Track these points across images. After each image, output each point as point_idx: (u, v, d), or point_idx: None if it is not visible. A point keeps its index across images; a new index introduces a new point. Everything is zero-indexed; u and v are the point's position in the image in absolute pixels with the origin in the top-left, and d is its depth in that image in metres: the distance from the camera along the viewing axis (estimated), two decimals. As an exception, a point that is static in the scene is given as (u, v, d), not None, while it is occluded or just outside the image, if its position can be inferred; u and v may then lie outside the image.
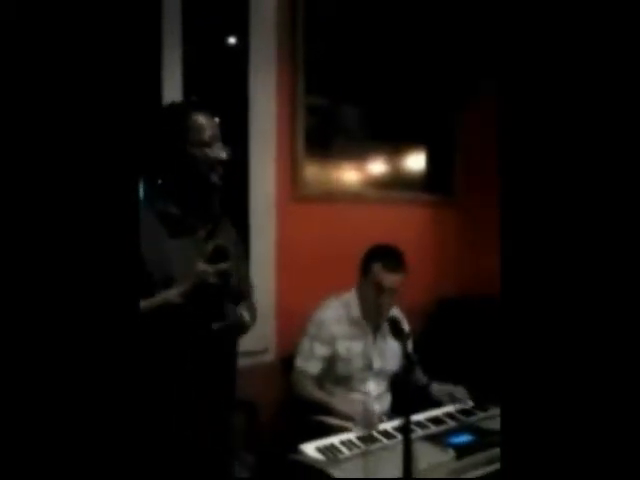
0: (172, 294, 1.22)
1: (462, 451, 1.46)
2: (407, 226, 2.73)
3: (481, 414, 1.79)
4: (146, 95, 2.18)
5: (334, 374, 1.95)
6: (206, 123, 1.36)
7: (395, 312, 1.99)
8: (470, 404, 1.88)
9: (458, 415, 1.80)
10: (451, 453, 1.45)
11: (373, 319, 1.96)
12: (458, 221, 2.90)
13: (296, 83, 2.38)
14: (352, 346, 1.94)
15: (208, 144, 1.35)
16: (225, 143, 1.38)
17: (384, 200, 2.66)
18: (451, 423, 1.72)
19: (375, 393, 1.97)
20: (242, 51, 2.37)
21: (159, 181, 1.41)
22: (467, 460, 1.44)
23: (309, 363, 1.93)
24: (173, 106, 1.46)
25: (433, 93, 2.85)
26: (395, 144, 2.78)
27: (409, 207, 2.78)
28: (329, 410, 1.83)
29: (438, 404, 1.92)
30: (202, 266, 1.21)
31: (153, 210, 1.33)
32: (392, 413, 1.97)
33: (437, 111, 2.87)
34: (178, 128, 1.35)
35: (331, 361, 1.94)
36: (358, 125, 2.64)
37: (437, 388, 1.99)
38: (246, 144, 2.32)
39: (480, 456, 1.47)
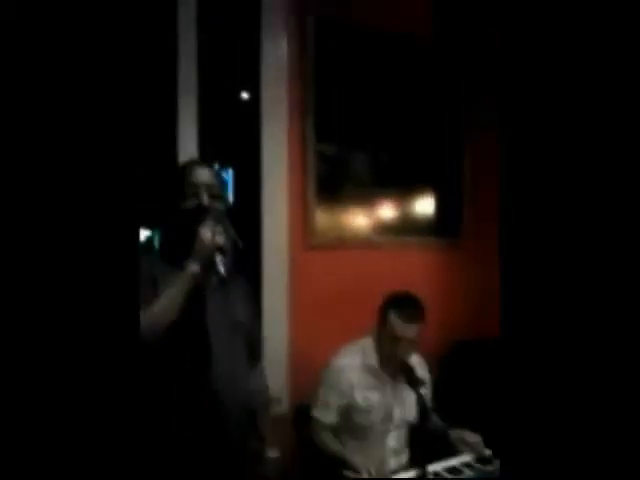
0: (188, 267, 1.33)
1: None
2: (417, 270, 2.75)
3: (499, 463, 1.77)
4: (162, 150, 2.26)
5: (352, 425, 1.91)
6: (192, 174, 1.44)
7: (414, 358, 1.96)
8: (487, 452, 1.86)
9: (476, 465, 1.78)
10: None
11: (391, 368, 1.92)
12: (467, 264, 2.92)
13: (306, 132, 2.45)
14: (370, 396, 1.90)
15: (193, 194, 1.42)
16: (221, 197, 1.46)
17: (394, 245, 2.69)
18: (468, 473, 1.71)
19: (394, 447, 1.94)
20: (254, 103, 2.46)
21: (172, 237, 1.48)
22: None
23: (325, 413, 1.92)
24: (180, 166, 1.57)
25: (438, 138, 2.91)
26: (403, 189, 2.82)
27: (419, 251, 2.80)
28: (344, 463, 1.80)
29: (456, 452, 1.90)
30: (205, 231, 1.32)
31: (166, 265, 1.39)
32: (410, 464, 1.94)
33: (443, 156, 2.92)
34: (172, 185, 1.46)
35: (348, 411, 1.90)
36: (367, 171, 2.69)
37: (454, 435, 1.96)
38: (259, 195, 2.38)
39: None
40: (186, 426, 1.36)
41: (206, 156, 2.15)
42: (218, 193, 1.45)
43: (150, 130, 2.15)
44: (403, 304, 1.88)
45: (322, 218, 2.49)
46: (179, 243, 1.40)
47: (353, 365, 1.92)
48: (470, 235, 2.93)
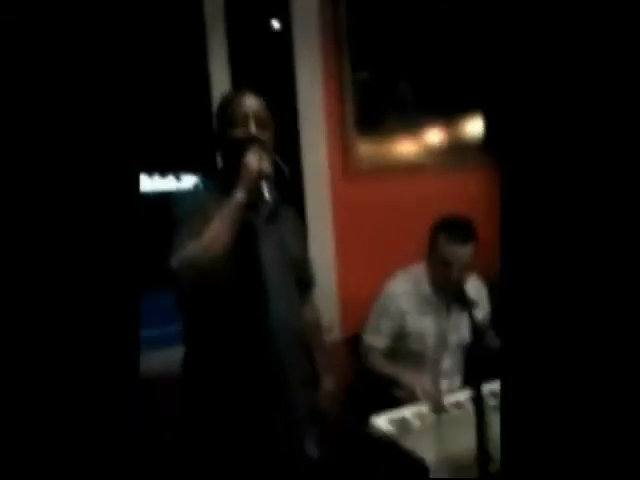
0: (235, 196, 1.28)
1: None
2: (467, 192, 2.64)
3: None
4: (195, 83, 2.22)
5: (405, 351, 1.90)
6: (241, 103, 1.40)
7: (470, 281, 1.91)
8: None
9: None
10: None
11: (444, 293, 1.88)
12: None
13: (342, 59, 2.35)
14: (423, 323, 1.88)
15: (241, 123, 1.38)
16: (269, 126, 1.41)
17: (441, 168, 2.59)
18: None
19: (447, 370, 1.93)
20: (285, 31, 2.36)
21: (219, 167, 1.45)
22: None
23: (376, 338, 1.92)
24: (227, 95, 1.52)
25: (485, 59, 2.73)
26: (450, 114, 2.69)
27: (468, 173, 2.69)
28: (396, 382, 1.82)
29: None
30: (251, 159, 1.29)
31: (219, 196, 1.36)
32: (464, 385, 1.94)
33: (491, 77, 2.75)
34: (221, 114, 1.42)
35: (401, 337, 1.89)
36: (412, 98, 2.57)
37: None
38: (296, 125, 2.32)
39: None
40: (242, 366, 1.36)
41: (238, 87, 2.10)
42: (266, 122, 1.40)
43: (180, 63, 2.11)
44: (452, 226, 1.81)
45: (364, 146, 2.41)
46: (228, 173, 1.37)
47: (405, 291, 1.89)
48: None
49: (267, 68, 2.56)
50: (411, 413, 1.56)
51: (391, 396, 1.80)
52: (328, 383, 1.58)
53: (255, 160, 1.29)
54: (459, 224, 1.82)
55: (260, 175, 1.29)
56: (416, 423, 1.50)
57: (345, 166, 2.36)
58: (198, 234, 1.24)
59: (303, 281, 1.56)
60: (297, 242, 1.53)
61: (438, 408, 1.58)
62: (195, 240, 1.23)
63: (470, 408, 1.52)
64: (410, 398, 1.70)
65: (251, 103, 1.40)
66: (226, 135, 1.39)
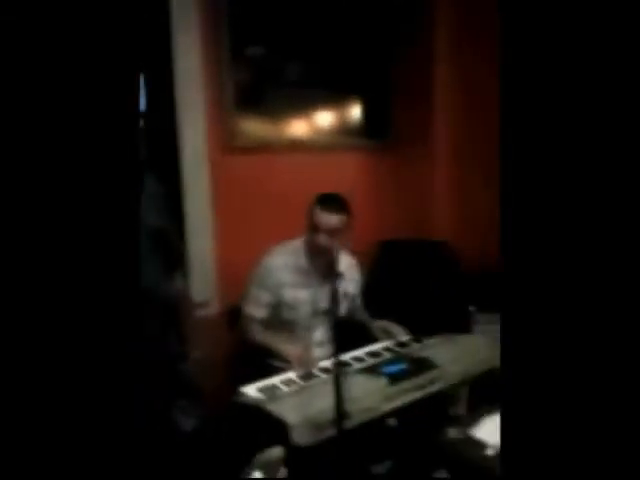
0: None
1: (395, 378, 1.56)
2: (347, 172, 2.77)
3: (415, 345, 1.89)
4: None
5: (280, 319, 1.99)
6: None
7: (344, 258, 2.03)
8: (405, 338, 1.98)
9: (394, 348, 1.90)
10: (384, 380, 1.55)
11: (320, 266, 1.97)
12: (397, 166, 2.95)
13: (222, 34, 2.33)
14: (298, 294, 1.98)
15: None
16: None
17: (322, 147, 2.68)
18: (387, 355, 1.82)
19: (319, 340, 2.03)
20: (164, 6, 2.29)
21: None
22: (399, 386, 1.54)
23: (255, 308, 1.98)
24: None
25: (367, 38, 2.83)
26: (332, 94, 2.77)
27: (348, 153, 2.80)
28: (272, 352, 1.90)
29: (378, 340, 2.01)
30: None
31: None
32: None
33: (372, 57, 2.86)
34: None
35: (277, 307, 1.98)
36: (296, 77, 2.62)
37: (377, 325, 2.08)
38: (172, 100, 2.28)
39: (412, 382, 1.57)
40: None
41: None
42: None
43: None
44: (325, 199, 1.94)
45: (245, 122, 2.43)
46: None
47: (282, 264, 1.98)
48: (400, 138, 2.93)
49: (144, 42, 2.47)
50: (279, 380, 1.63)
51: (270, 366, 1.88)
52: (196, 354, 1.61)
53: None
54: (332, 196, 1.95)
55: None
56: (284, 388, 1.57)
57: (224, 142, 2.37)
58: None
59: (169, 251, 1.56)
60: (159, 210, 1.53)
61: (307, 375, 1.67)
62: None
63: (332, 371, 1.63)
64: (287, 367, 1.77)
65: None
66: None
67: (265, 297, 1.97)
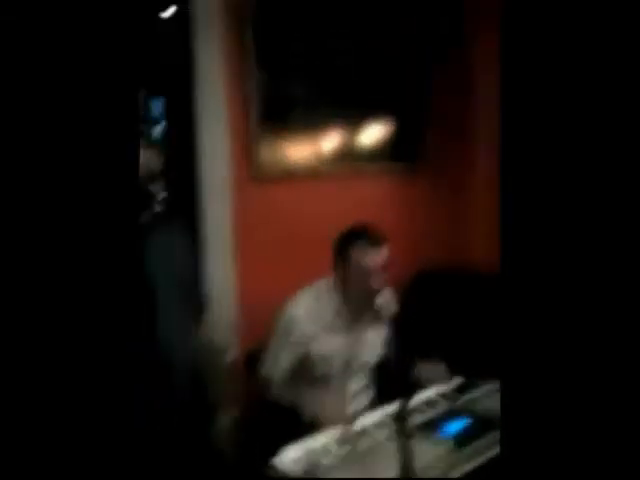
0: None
1: (460, 440, 1.32)
2: (373, 198, 2.57)
3: (474, 392, 1.65)
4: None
5: (310, 376, 1.73)
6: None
7: (386, 292, 1.75)
8: (455, 381, 1.73)
9: (449, 394, 1.65)
10: (449, 443, 1.31)
11: (353, 309, 1.74)
12: (428, 190, 2.75)
13: (245, 57, 2.16)
14: (331, 344, 1.71)
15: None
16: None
17: (347, 173, 2.49)
18: (443, 405, 1.57)
19: (355, 390, 1.79)
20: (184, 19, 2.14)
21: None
22: (468, 449, 1.31)
23: (274, 369, 1.71)
24: None
25: (401, 58, 2.66)
26: (356, 115, 2.59)
27: (373, 178, 2.61)
28: (303, 412, 1.65)
29: (421, 387, 1.74)
30: None
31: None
32: (373, 405, 1.81)
33: (404, 77, 2.69)
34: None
35: (305, 363, 1.71)
36: (318, 98, 2.44)
37: (417, 370, 1.81)
38: (193, 126, 2.10)
39: (479, 443, 1.34)
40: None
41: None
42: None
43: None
44: (363, 233, 1.69)
45: (267, 148, 2.24)
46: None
47: (308, 313, 1.71)
48: (431, 159, 2.73)
49: (164, 64, 2.34)
50: (318, 446, 1.38)
51: (298, 422, 1.62)
52: (227, 417, 1.37)
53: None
54: (369, 230, 1.70)
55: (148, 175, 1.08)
56: (324, 459, 1.32)
57: (248, 168, 2.18)
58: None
59: (194, 299, 1.35)
60: (185, 258, 1.32)
61: (347, 437, 1.43)
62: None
63: (378, 434, 1.40)
64: (318, 426, 1.53)
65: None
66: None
67: (287, 357, 1.70)
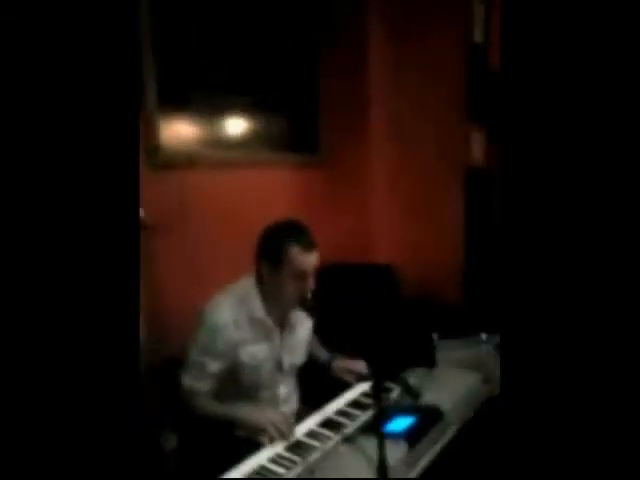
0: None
1: (412, 438, 1.29)
2: (275, 189, 2.47)
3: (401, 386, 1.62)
4: None
5: (237, 385, 1.59)
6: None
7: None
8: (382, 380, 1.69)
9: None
10: (401, 443, 1.26)
11: (279, 313, 1.62)
12: (326, 181, 2.71)
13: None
14: (257, 351, 1.58)
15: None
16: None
17: (251, 162, 2.35)
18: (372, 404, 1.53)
19: (284, 395, 1.68)
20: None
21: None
22: (420, 447, 1.28)
23: (199, 382, 1.55)
24: None
25: (290, 48, 2.57)
26: (255, 103, 2.46)
27: (276, 168, 2.51)
28: (235, 424, 1.52)
29: (343, 383, 1.72)
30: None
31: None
32: (303, 406, 1.73)
33: (296, 68, 2.61)
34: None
35: (233, 372, 1.57)
36: (218, 83, 2.26)
37: (337, 366, 1.77)
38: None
39: (430, 437, 1.32)
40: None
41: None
42: None
43: None
44: (299, 233, 1.55)
45: (169, 131, 2.02)
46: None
47: (232, 319, 1.54)
48: (328, 151, 2.69)
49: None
50: (266, 459, 1.27)
51: (233, 437, 1.50)
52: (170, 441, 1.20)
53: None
54: (304, 230, 1.57)
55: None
56: (280, 472, 1.21)
57: (148, 154, 1.94)
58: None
59: None
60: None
61: (296, 445, 1.33)
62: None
63: (330, 437, 1.33)
64: (256, 437, 1.41)
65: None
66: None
67: (213, 366, 1.53)
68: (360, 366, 1.73)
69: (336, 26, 2.68)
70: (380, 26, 2.78)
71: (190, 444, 1.59)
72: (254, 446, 1.36)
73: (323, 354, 1.85)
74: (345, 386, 1.70)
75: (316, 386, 1.79)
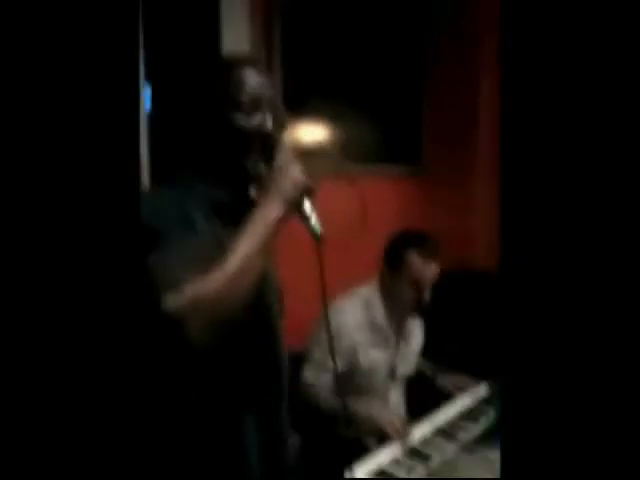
0: (268, 209, 0.89)
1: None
2: (378, 199, 2.54)
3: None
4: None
5: (354, 385, 1.68)
6: (249, 80, 0.96)
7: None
8: (481, 391, 1.75)
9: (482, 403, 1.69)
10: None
11: (397, 321, 1.70)
12: (429, 192, 2.76)
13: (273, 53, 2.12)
14: (375, 355, 1.66)
15: (245, 109, 0.96)
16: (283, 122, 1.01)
17: (351, 173, 2.43)
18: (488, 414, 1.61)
19: (394, 402, 1.77)
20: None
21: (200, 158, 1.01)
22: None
23: (322, 375, 1.62)
24: (217, 61, 1.10)
25: (396, 60, 2.63)
26: (358, 110, 2.53)
27: (378, 179, 2.57)
28: (353, 419, 1.61)
29: (445, 396, 1.77)
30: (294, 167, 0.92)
31: (200, 196, 0.96)
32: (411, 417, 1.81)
33: (400, 79, 2.66)
34: (215, 87, 0.97)
35: (349, 373, 1.65)
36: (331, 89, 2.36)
37: (442, 380, 1.84)
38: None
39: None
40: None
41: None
42: (281, 115, 1.00)
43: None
44: (423, 241, 1.62)
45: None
46: (225, 175, 0.97)
47: (355, 322, 1.64)
48: (434, 164, 2.73)
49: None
50: (389, 462, 1.37)
51: (335, 435, 1.59)
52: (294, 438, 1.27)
53: (298, 169, 0.91)
54: (427, 238, 1.64)
55: (304, 189, 0.91)
56: (402, 475, 1.31)
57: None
58: (201, 261, 0.83)
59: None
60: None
61: (413, 451, 1.43)
62: (204, 270, 0.83)
63: (445, 446, 1.41)
64: (368, 435, 1.53)
65: (262, 82, 0.98)
66: (225, 123, 0.96)
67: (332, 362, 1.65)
68: (465, 380, 1.80)
69: (445, 36, 2.71)
70: (491, 35, 2.77)
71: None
72: (359, 448, 1.46)
73: (427, 367, 1.91)
74: (446, 398, 1.75)
75: (417, 398, 1.86)
